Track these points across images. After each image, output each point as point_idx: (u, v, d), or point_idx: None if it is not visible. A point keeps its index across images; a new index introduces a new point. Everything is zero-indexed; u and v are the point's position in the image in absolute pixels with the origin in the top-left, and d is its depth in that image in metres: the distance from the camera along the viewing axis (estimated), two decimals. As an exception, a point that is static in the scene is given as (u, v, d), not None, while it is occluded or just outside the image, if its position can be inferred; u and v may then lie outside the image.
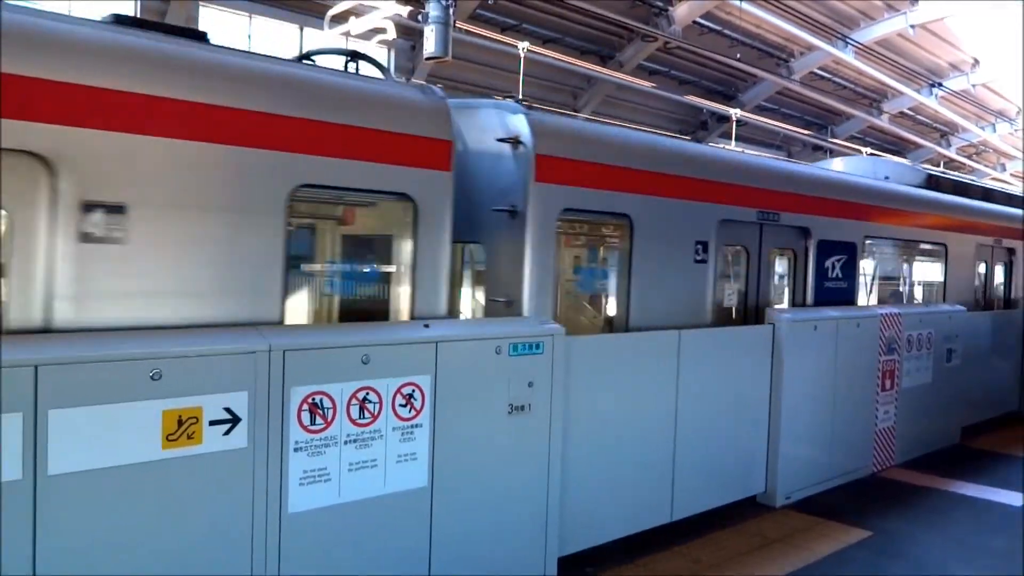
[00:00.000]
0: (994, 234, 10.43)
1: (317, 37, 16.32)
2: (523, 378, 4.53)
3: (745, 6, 19.55)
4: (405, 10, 12.32)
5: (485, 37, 16.97)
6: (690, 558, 5.44)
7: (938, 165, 29.36)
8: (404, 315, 4.37)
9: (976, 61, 27.45)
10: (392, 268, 4.60)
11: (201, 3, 16.16)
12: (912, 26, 23.12)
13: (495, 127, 5.07)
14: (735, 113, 22.31)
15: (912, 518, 6.49)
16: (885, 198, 8.34)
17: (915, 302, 9.72)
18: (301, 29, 17.60)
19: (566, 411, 4.79)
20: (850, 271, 7.65)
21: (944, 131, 34.48)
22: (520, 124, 4.95)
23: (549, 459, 4.68)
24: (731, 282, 6.76)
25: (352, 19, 12.49)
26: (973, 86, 28.21)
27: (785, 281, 7.38)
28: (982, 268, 10.45)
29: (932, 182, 9.79)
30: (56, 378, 2.96)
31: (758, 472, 6.45)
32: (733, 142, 22.71)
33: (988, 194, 11.05)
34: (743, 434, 6.27)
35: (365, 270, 5.20)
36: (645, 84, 21.41)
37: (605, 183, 5.33)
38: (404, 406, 4.03)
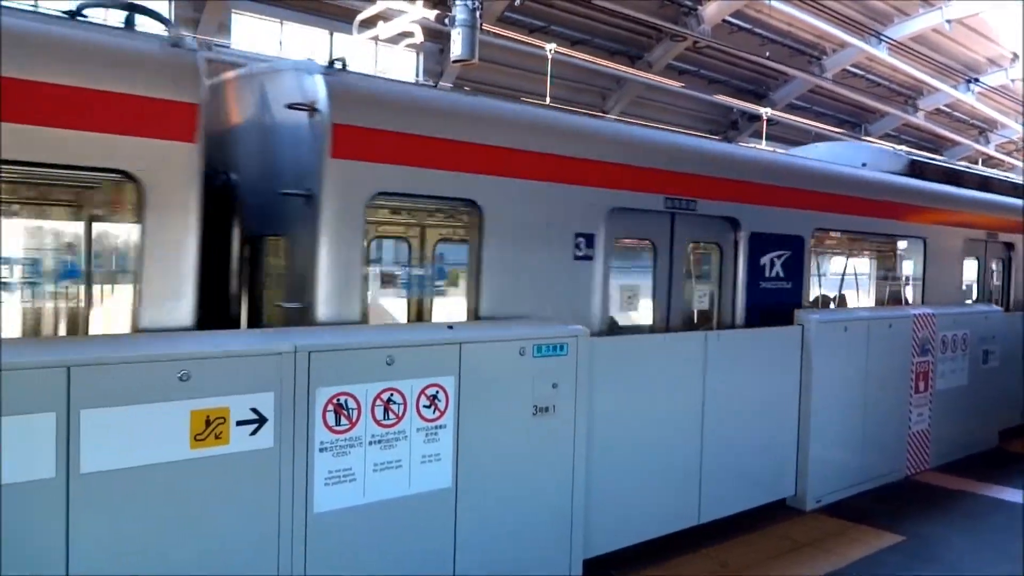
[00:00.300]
0: (988, 227, 9.24)
1: (347, 42, 16.50)
2: (547, 379, 4.53)
3: (775, 4, 19.34)
4: (432, 14, 12.39)
5: (513, 39, 17.00)
6: (717, 561, 5.40)
7: (976, 162, 28.75)
8: (124, 327, 3.62)
9: (1015, 56, 26.84)
10: (109, 267, 3.87)
11: (234, 10, 16.43)
12: (948, 21, 22.70)
13: (294, 93, 4.22)
14: (766, 112, 22.08)
15: (947, 522, 6.36)
16: (843, 185, 7.18)
17: (882, 303, 8.87)
18: (331, 34, 17.81)
19: (591, 412, 4.78)
20: (795, 269, 6.55)
21: (982, 128, 33.78)
22: (317, 87, 4.08)
23: (574, 460, 4.68)
24: (631, 283, 5.70)
25: (380, 23, 12.61)
26: (1012, 81, 27.59)
27: (707, 280, 6.31)
28: (973, 265, 9.38)
29: (915, 169, 8.69)
30: (88, 379, 3.03)
31: (788, 475, 6.38)
32: (764, 141, 22.47)
33: (986, 183, 9.93)
34: (772, 436, 6.20)
35: (65, 270, 4.25)
36: (674, 84, 21.29)
37: (439, 161, 4.39)
38: (428, 407, 4.05)
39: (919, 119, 29.94)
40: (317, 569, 3.66)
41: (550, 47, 16.28)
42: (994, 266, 9.81)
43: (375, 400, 3.86)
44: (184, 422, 3.26)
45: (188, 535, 3.29)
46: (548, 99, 16.27)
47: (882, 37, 23.16)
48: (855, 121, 29.86)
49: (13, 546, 2.91)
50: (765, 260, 6.28)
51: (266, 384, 3.49)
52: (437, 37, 16.97)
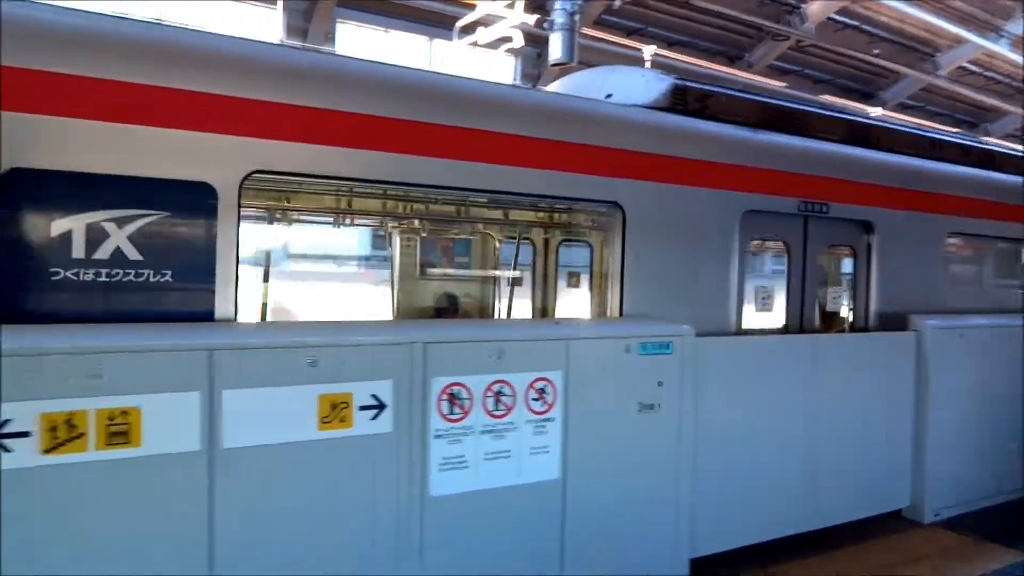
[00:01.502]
0: (810, 194, 5.73)
1: (446, 48, 16.89)
2: (652, 377, 4.54)
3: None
4: (532, 18, 12.53)
5: (611, 42, 16.99)
6: (828, 570, 5.25)
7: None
8: None
9: None
10: None
11: (339, 21, 17.08)
12: (1079, 12, 21.22)
13: None
14: (873, 112, 21.20)
15: (1079, 543, 5.97)
16: (366, 88, 4.04)
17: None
18: (430, 40, 18.25)
19: (696, 411, 4.76)
20: (195, 249, 3.53)
21: (1118, 126, 31.32)
22: None
23: (679, 458, 4.66)
24: None
25: (480, 29, 12.85)
26: None
27: None
28: (768, 261, 6.45)
29: (678, 99, 5.43)
30: (227, 361, 3.27)
31: (902, 485, 6.13)
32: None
33: (857, 132, 6.45)
34: (885, 444, 5.97)
35: None
36: (776, 84, 20.74)
37: None
38: (537, 400, 4.14)
39: (1045, 118, 28.08)
40: (433, 548, 3.80)
41: (649, 49, 16.17)
42: (825, 261, 6.47)
43: (486, 391, 3.98)
44: (312, 405, 3.46)
45: (317, 509, 3.50)
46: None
47: (1002, 32, 21.85)
48: (973, 121, 28.29)
49: (162, 510, 3.16)
50: (71, 229, 3.29)
51: (386, 372, 3.66)
52: (536, 41, 17.12)
